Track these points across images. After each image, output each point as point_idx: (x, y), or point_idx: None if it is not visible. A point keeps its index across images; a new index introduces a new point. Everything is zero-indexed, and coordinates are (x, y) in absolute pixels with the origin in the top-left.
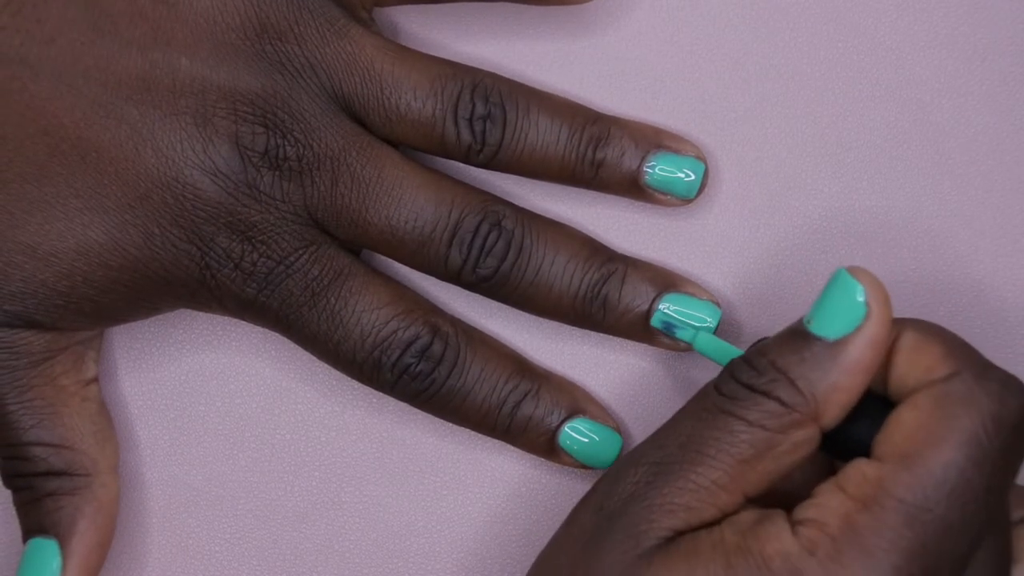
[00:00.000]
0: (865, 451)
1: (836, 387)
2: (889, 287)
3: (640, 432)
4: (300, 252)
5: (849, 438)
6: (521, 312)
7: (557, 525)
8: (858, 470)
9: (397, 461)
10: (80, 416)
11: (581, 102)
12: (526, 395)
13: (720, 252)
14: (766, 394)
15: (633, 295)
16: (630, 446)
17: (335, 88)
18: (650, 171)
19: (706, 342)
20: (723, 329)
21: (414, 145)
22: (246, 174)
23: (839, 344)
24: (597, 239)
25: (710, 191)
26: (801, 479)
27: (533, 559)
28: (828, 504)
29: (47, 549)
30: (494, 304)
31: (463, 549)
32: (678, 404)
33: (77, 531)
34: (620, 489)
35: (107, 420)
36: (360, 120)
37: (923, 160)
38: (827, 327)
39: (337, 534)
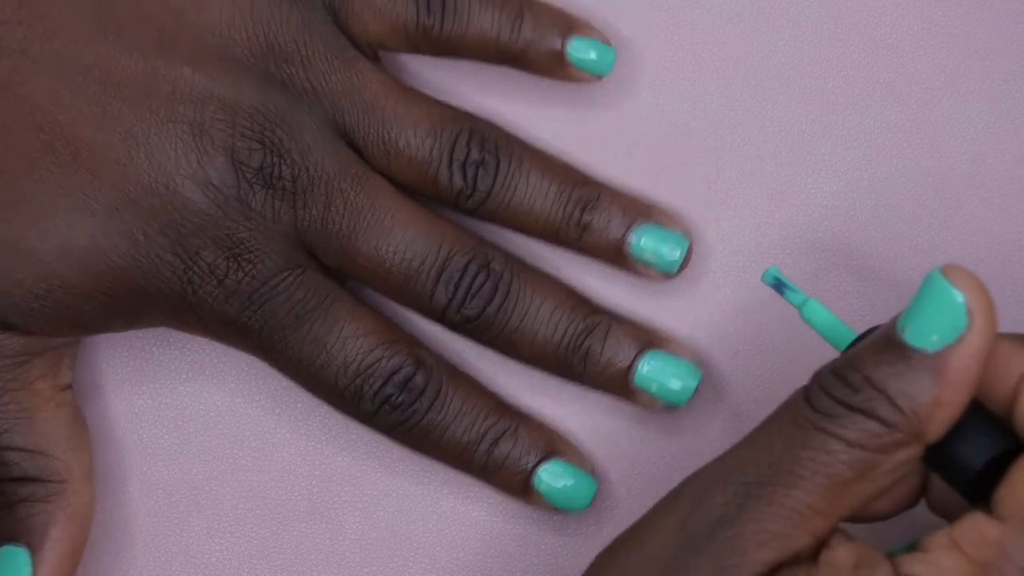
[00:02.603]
0: (968, 471)
1: (939, 403)
2: (889, 286)
3: (619, 475)
4: (286, 274)
5: (951, 454)
6: None
7: (556, 524)
8: (976, 528)
9: (397, 460)
10: (55, 422)
11: (581, 103)
12: (504, 433)
13: (720, 252)
14: (865, 413)
15: (615, 350)
16: (607, 491)
17: (336, 115)
18: (634, 242)
19: (815, 312)
20: (722, 336)
21: (407, 183)
22: (239, 189)
23: (940, 357)
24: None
25: (711, 191)
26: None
27: (533, 558)
28: (941, 563)
29: (19, 557)
30: None
31: (463, 548)
32: (661, 447)
33: (49, 538)
34: (706, 511)
35: (82, 426)
36: (357, 151)
37: (923, 160)
38: (924, 338)
39: (337, 534)
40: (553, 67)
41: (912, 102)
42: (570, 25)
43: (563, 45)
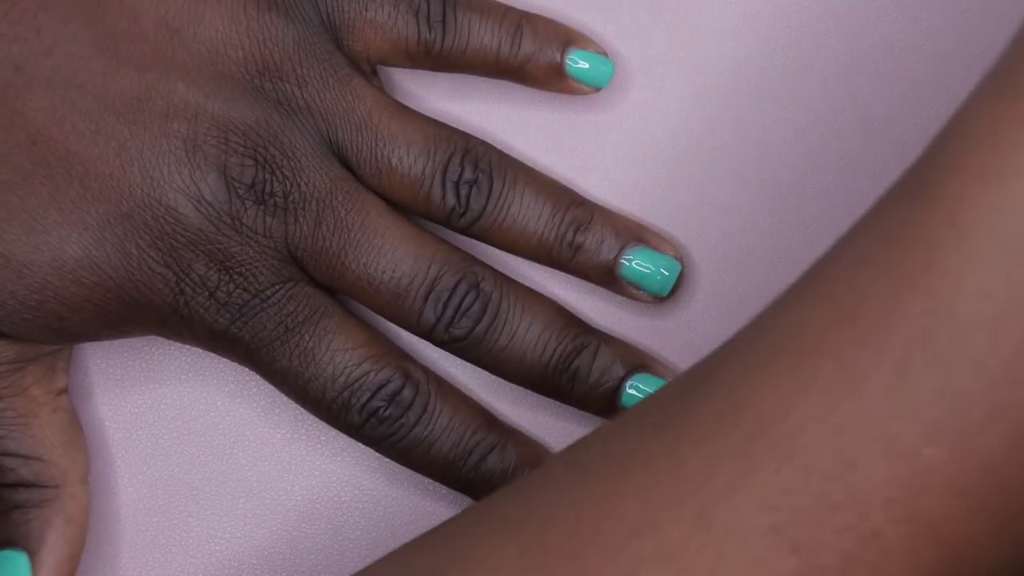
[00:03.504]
0: None
1: None
2: None
3: None
4: (277, 287)
5: None
6: None
7: None
8: None
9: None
10: (50, 427)
11: (579, 106)
12: (492, 448)
13: (719, 253)
14: None
15: (603, 371)
16: None
17: (330, 133)
18: (626, 263)
19: None
20: (715, 330)
21: (399, 201)
22: (230, 205)
23: None
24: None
25: (709, 191)
26: None
27: None
28: None
29: (17, 562)
30: None
31: None
32: None
33: (47, 543)
34: None
35: (78, 429)
36: (351, 168)
37: None
38: None
39: (337, 534)
40: (552, 80)
41: (912, 101)
42: (569, 38)
43: (562, 58)
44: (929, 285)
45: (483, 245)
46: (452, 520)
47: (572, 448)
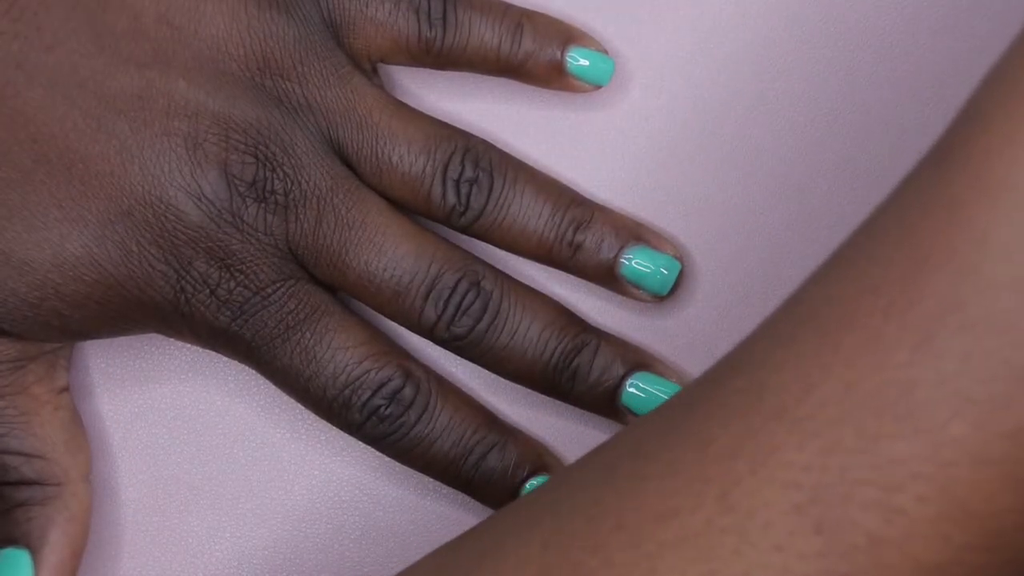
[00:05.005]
0: None
1: None
2: None
3: None
4: (278, 285)
5: None
6: None
7: None
8: None
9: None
10: (52, 425)
11: (579, 105)
12: (493, 447)
13: (719, 253)
14: None
15: (603, 369)
16: None
17: (330, 131)
18: (626, 263)
19: None
20: (711, 358)
21: (399, 200)
22: (231, 202)
23: None
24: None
25: (709, 191)
26: None
27: None
28: None
29: (19, 560)
30: None
31: None
32: None
33: (49, 541)
34: None
35: (80, 428)
36: (351, 166)
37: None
38: None
39: (337, 534)
40: (553, 77)
41: (913, 102)
42: (569, 36)
43: (563, 55)
44: (954, 247)
45: (483, 244)
46: (490, 516)
47: (601, 444)
